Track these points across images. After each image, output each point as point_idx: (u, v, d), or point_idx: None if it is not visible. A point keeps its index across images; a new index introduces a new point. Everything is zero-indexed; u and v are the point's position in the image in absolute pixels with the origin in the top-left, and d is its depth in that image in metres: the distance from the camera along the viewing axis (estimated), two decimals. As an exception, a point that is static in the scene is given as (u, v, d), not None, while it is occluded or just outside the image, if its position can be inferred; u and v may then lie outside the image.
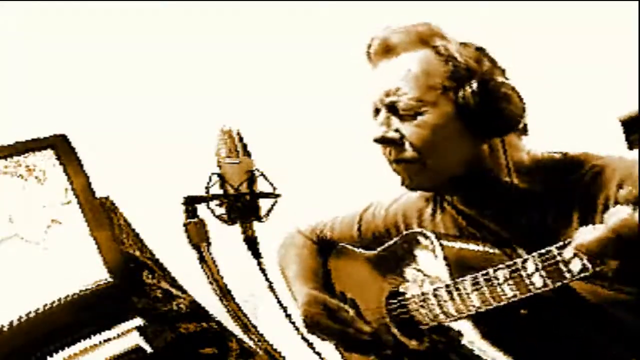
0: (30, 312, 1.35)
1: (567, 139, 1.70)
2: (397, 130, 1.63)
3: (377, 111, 1.67)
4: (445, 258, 1.60)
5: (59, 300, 1.41)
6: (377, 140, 1.65)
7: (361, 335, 1.74)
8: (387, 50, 1.66)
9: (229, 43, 2.62)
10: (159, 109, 2.42)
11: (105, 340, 1.36)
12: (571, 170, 1.60)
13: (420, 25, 1.66)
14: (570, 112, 2.49)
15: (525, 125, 1.65)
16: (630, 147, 1.49)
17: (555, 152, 1.67)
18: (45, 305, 1.39)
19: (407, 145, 1.62)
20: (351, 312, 1.79)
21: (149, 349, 1.35)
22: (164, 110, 2.43)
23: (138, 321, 1.41)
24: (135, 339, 1.37)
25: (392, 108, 1.63)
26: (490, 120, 1.55)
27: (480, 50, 1.65)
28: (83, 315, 1.40)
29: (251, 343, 1.43)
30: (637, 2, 2.23)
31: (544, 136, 1.71)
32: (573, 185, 1.56)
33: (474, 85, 1.55)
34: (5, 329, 1.30)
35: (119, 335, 1.37)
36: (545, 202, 1.59)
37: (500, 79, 1.58)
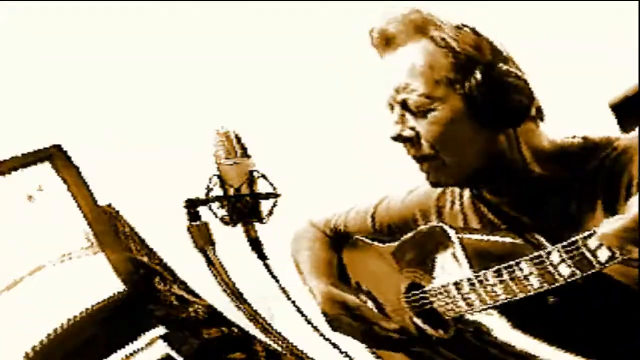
0: (57, 329, 1.34)
1: (570, 128, 1.70)
2: (412, 128, 1.61)
3: (391, 107, 1.65)
4: (464, 251, 1.59)
5: (81, 314, 1.40)
6: (393, 139, 1.63)
7: (387, 332, 1.73)
8: (387, 41, 1.63)
9: (226, 43, 2.60)
10: (155, 111, 2.40)
11: (133, 352, 1.36)
12: (593, 154, 1.58)
13: (413, 12, 1.62)
14: (569, 110, 2.55)
15: (540, 110, 1.63)
16: (625, 131, 1.52)
17: (575, 137, 1.66)
18: (69, 320, 1.38)
19: (423, 141, 1.60)
20: (370, 304, 1.78)
21: (178, 358, 1.36)
22: (161, 113, 2.41)
23: (161, 330, 1.42)
24: (163, 349, 1.38)
25: (404, 105, 1.61)
26: (497, 112, 1.54)
27: (477, 34, 1.60)
28: (107, 327, 1.40)
29: (275, 345, 1.45)
30: (637, 2, 2.27)
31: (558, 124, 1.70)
32: (595, 169, 1.55)
33: (477, 76, 1.53)
34: (36, 352, 1.28)
35: (146, 346, 1.38)
36: (568, 188, 1.58)
37: (503, 67, 1.55)
